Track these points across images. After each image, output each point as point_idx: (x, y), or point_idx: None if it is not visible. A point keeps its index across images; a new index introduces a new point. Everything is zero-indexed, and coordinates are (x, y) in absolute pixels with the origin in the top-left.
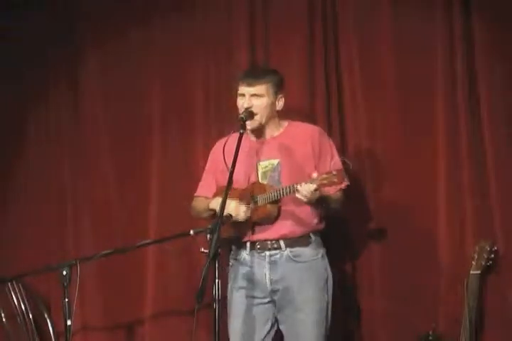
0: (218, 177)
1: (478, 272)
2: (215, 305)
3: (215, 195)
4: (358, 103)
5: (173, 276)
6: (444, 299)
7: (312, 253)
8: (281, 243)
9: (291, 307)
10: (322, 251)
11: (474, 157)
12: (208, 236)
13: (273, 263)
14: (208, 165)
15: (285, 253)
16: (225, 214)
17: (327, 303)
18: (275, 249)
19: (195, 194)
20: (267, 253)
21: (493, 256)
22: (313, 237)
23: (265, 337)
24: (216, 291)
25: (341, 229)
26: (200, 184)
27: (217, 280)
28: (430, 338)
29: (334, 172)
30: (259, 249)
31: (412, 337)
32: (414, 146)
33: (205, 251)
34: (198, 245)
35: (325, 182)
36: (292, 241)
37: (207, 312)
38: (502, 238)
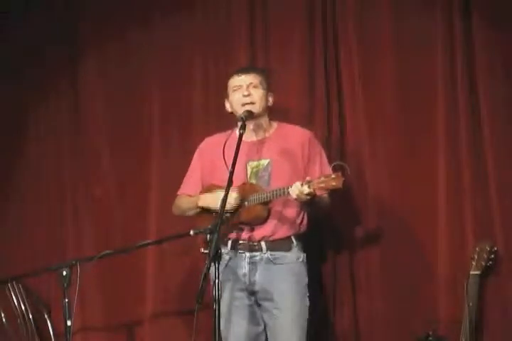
0: (204, 175)
1: (478, 272)
2: (215, 306)
3: (201, 193)
4: (358, 103)
5: (173, 276)
6: (444, 299)
7: (293, 257)
8: (263, 245)
9: (271, 309)
10: (303, 256)
11: (474, 157)
12: (208, 236)
13: (252, 264)
14: (193, 163)
15: (265, 255)
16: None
17: (307, 307)
18: (256, 250)
19: (179, 192)
20: (247, 254)
21: (493, 256)
22: (295, 242)
23: (258, 337)
24: (216, 292)
25: (341, 229)
26: (185, 182)
27: (217, 281)
28: (430, 339)
29: (333, 176)
30: (240, 249)
31: (411, 337)
32: (414, 146)
33: (205, 251)
34: (198, 245)
35: (322, 185)
36: (274, 244)
37: (207, 312)
38: (502, 238)
